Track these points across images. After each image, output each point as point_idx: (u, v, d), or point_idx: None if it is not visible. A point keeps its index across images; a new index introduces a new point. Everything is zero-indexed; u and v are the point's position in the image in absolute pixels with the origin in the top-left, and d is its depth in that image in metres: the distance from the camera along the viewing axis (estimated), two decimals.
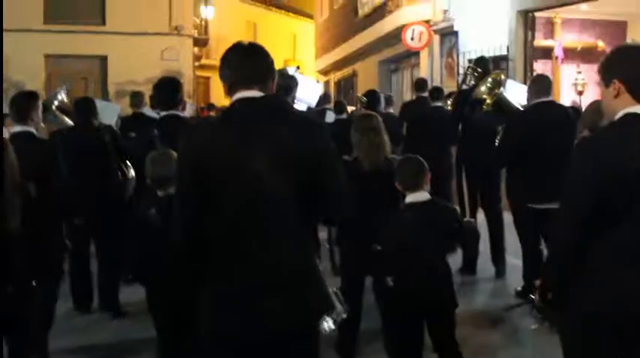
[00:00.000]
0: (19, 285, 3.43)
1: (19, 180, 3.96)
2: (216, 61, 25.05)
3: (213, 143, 2.82)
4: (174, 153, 3.95)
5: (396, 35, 16.25)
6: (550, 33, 14.32)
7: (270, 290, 2.80)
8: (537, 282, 3.17)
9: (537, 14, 12.88)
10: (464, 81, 8.73)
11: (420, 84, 10.59)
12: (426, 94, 9.83)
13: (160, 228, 3.91)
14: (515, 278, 7.09)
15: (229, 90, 2.93)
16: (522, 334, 5.87)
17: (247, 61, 2.95)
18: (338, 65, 24.16)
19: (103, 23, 18.39)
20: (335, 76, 25.25)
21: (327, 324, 2.96)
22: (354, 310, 4.56)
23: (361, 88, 20.50)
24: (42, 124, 5.90)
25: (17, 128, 5.17)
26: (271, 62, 3.04)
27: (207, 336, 2.92)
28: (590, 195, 2.79)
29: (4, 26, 12.77)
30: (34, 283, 4.05)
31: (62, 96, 7.56)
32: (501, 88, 7.02)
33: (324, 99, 10.45)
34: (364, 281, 5.17)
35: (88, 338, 6.06)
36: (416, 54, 16.21)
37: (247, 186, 2.78)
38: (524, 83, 11.96)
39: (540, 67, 13.34)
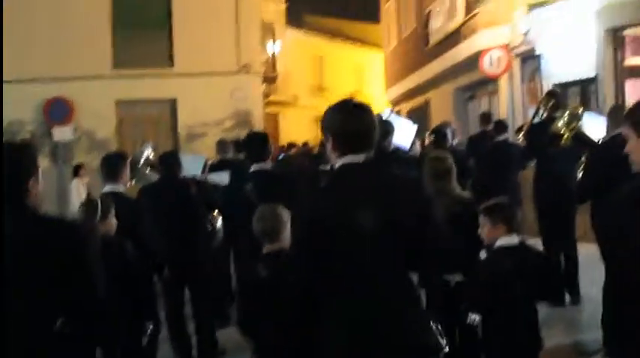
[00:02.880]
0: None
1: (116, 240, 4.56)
2: (284, 96, 25.09)
3: (324, 208, 3.08)
4: (280, 208, 4.28)
5: (471, 62, 15.61)
6: (638, 50, 13.45)
7: (383, 336, 3.00)
8: None
9: (624, 31, 12.10)
10: (536, 113, 8.72)
11: (484, 117, 11.25)
12: (490, 127, 10.37)
13: (267, 281, 4.11)
14: (590, 307, 7.23)
15: (336, 150, 3.12)
16: None
17: (355, 126, 3.10)
18: (410, 94, 23.58)
19: (172, 65, 18.24)
20: (407, 106, 24.65)
21: None
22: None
23: (435, 117, 19.89)
24: (131, 183, 6.47)
25: (108, 187, 5.69)
26: (376, 123, 3.18)
27: None
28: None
29: (74, 73, 12.87)
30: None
31: (148, 152, 7.83)
32: (580, 122, 7.07)
33: None
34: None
35: None
36: (493, 80, 15.51)
37: (355, 243, 3.00)
38: (617, 105, 11.30)
39: (629, 87, 12.49)
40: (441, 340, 3.59)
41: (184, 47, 17.94)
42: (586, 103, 12.15)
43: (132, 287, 4.60)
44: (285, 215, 4.27)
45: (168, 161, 7.08)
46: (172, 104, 18.51)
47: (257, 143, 6.00)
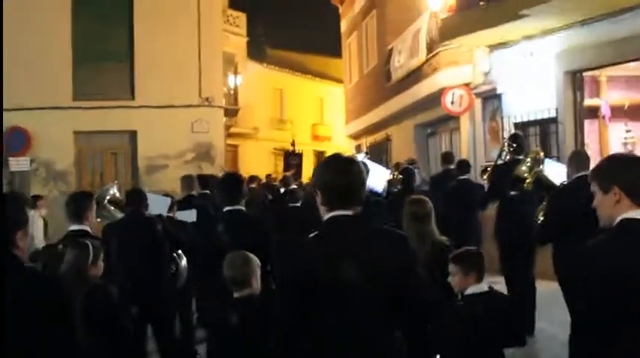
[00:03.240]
0: None
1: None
2: (244, 129, 24.99)
3: (312, 259, 3.18)
4: (250, 256, 4.36)
5: (433, 99, 15.75)
6: (595, 91, 13.71)
7: None
8: None
9: (583, 74, 12.32)
10: (499, 156, 9.10)
11: (446, 157, 11.64)
12: (452, 167, 10.71)
13: (237, 327, 4.17)
14: (549, 344, 7.32)
15: (325, 205, 3.24)
16: None
17: (344, 182, 3.21)
18: (370, 129, 23.68)
19: (132, 98, 18.10)
20: (367, 141, 24.76)
21: None
22: None
23: (395, 153, 20.03)
24: (97, 220, 6.46)
25: (74, 226, 5.66)
26: (365, 179, 3.34)
27: None
28: (593, 304, 3.01)
29: (34, 104, 12.74)
30: None
31: (113, 191, 7.87)
32: (541, 166, 7.39)
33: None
34: None
35: None
36: (454, 118, 15.67)
37: (340, 295, 3.10)
38: (576, 146, 11.52)
39: (587, 126, 12.71)
40: None
41: (146, 79, 17.85)
42: (546, 143, 12.35)
43: (116, 331, 4.62)
44: (255, 262, 4.37)
45: (135, 198, 7.13)
46: (132, 136, 18.34)
47: (231, 185, 5.96)
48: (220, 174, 12.54)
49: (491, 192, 8.89)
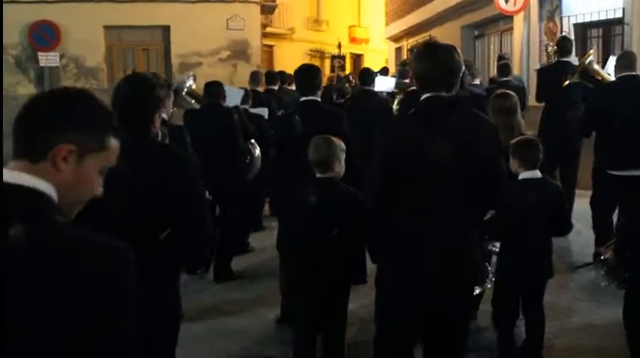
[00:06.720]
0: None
1: None
2: (281, 29, 23.95)
3: (404, 134, 3.45)
4: (334, 140, 4.48)
5: None
6: None
7: (433, 265, 3.32)
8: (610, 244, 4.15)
9: None
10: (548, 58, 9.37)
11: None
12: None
13: (316, 207, 4.31)
14: (578, 241, 7.47)
15: (421, 87, 3.44)
16: (591, 292, 6.10)
17: (435, 65, 3.37)
18: (412, 31, 22.67)
19: None
20: (408, 43, 23.77)
21: (477, 290, 4.16)
22: None
23: None
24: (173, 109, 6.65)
25: None
26: (458, 64, 3.41)
27: (385, 307, 3.60)
28: None
29: None
30: None
31: (190, 82, 8.22)
32: (589, 59, 7.43)
33: None
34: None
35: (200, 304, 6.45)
36: (505, 18, 14.70)
37: (426, 169, 3.32)
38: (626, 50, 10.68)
39: None
40: (484, 278, 4.18)
41: None
42: (609, 46, 11.46)
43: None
44: (339, 146, 4.49)
45: (213, 90, 7.43)
46: (165, 32, 17.63)
47: (306, 75, 5.93)
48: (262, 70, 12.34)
49: (539, 94, 8.67)
